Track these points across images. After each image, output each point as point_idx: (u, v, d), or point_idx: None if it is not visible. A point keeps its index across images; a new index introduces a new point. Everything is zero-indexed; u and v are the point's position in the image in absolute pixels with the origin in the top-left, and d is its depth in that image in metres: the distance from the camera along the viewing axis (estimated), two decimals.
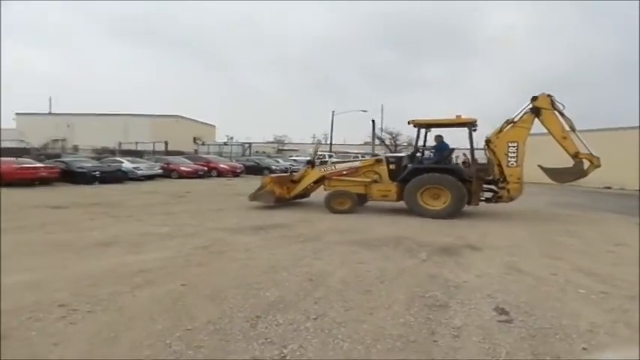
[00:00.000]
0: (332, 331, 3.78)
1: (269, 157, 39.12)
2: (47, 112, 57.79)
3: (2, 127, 54.13)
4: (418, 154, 12.02)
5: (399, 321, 4.03)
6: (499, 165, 10.85)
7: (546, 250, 7.37)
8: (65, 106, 76.21)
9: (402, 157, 12.30)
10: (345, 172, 12.11)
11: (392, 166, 11.63)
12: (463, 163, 12.15)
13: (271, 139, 71.42)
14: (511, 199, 10.99)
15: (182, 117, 53.79)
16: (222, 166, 27.44)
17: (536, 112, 10.66)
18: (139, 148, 39.85)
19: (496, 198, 11.17)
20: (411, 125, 11.47)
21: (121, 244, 7.34)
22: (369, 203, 12.69)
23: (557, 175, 11.38)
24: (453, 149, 11.90)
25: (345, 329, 3.83)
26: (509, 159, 10.72)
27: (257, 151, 48.83)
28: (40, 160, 22.34)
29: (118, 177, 21.75)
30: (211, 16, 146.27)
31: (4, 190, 16.55)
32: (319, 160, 15.44)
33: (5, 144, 36.85)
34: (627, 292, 4.98)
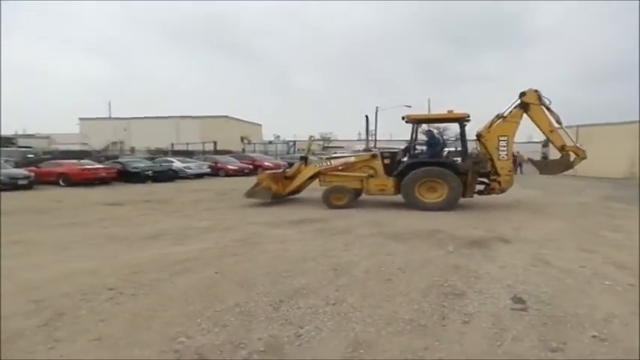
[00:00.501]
0: (347, 315, 4.04)
1: (313, 154, 39.56)
2: (107, 116, 61.34)
3: (68, 131, 58.66)
4: (415, 149, 12.24)
5: (413, 307, 4.23)
6: (490, 158, 11.17)
7: (583, 244, 7.21)
8: (123, 110, 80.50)
9: (396, 152, 12.72)
10: (340, 168, 12.26)
11: (387, 161, 11.95)
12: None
13: (317, 137, 71.94)
14: (502, 190, 11.33)
15: (230, 117, 55.45)
16: (266, 164, 28.20)
17: (524, 107, 11.01)
18: (189, 148, 41.58)
19: (488, 190, 11.48)
20: (405, 121, 11.82)
21: (167, 237, 7.93)
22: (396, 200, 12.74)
23: (545, 167, 12.04)
24: (445, 143, 12.37)
25: (360, 314, 4.08)
26: (499, 152, 11.08)
27: (300, 149, 49.51)
28: (100, 162, 23.96)
29: (169, 176, 22.95)
30: (258, 18, 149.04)
31: (71, 189, 17.98)
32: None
33: (71, 147, 39.94)
34: None
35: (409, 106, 59.91)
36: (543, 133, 11.35)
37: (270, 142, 47.55)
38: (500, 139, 11.07)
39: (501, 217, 10.14)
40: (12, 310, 4.15)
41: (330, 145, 65.90)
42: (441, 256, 6.32)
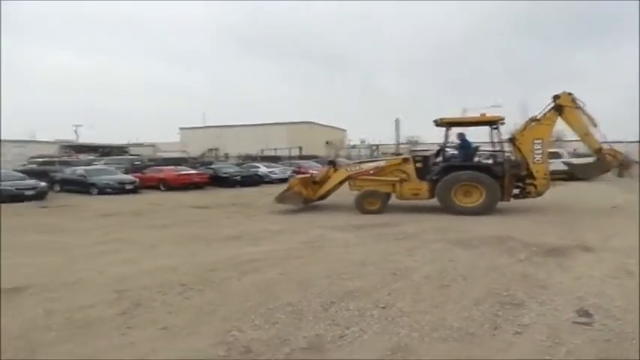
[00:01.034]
0: (394, 319, 4.07)
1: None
2: (205, 125, 65.97)
3: (169, 140, 64.29)
4: (447, 152, 11.85)
5: (464, 315, 4.13)
6: (525, 162, 10.98)
7: None
8: (218, 118, 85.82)
9: (428, 155, 12.31)
10: (371, 172, 12.01)
11: (419, 165, 11.69)
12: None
13: (404, 141, 71.02)
14: (539, 194, 11.17)
15: (314, 123, 56.78)
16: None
17: (559, 109, 10.87)
18: (277, 154, 43.36)
19: (524, 194, 11.25)
20: (436, 124, 11.58)
21: (244, 238, 8.45)
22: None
23: (583, 170, 12.46)
24: (478, 146, 11.87)
25: (408, 319, 4.08)
26: (535, 155, 10.91)
27: (384, 153, 49.19)
28: (195, 168, 25.93)
29: (255, 180, 24.16)
30: (341, 24, 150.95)
31: (169, 193, 19.72)
32: None
33: (172, 154, 43.78)
34: None
35: (499, 106, 56.85)
36: (578, 135, 11.17)
37: (353, 147, 47.87)
38: (535, 142, 10.94)
39: (592, 223, 9.32)
40: (98, 299, 4.77)
41: (416, 148, 64.59)
42: (509, 264, 6.02)
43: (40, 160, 29.24)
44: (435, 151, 12.59)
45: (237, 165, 29.71)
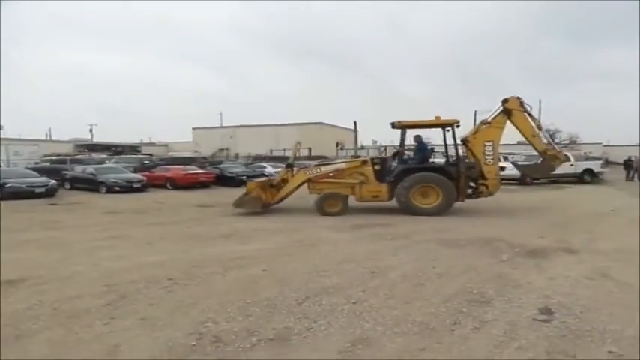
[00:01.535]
0: (362, 314, 4.25)
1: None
2: (216, 125, 66.59)
3: (182, 140, 65.13)
4: (404, 155, 12.08)
5: (430, 311, 4.30)
6: (477, 163, 11.40)
7: None
8: (231, 119, 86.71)
9: (386, 158, 12.67)
10: (331, 175, 12.06)
11: (377, 167, 11.82)
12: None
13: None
14: (490, 194, 11.61)
15: (325, 124, 56.95)
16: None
17: (508, 113, 11.39)
18: (286, 154, 43.63)
19: (477, 194, 11.62)
20: (392, 127, 11.69)
21: (238, 236, 8.68)
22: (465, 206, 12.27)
23: (532, 171, 13.31)
24: (433, 149, 12.20)
25: (376, 313, 4.26)
26: (486, 157, 11.36)
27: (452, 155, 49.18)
28: (203, 167, 26.31)
29: None
30: (355, 25, 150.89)
31: (175, 192, 20.08)
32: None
33: (183, 154, 44.39)
34: None
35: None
36: (525, 138, 11.68)
37: (362, 148, 47.97)
38: (486, 144, 11.38)
39: (585, 226, 9.38)
40: (87, 291, 5.03)
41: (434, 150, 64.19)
42: (489, 264, 6.16)
43: (53, 158, 29.95)
44: (393, 154, 12.77)
45: (245, 165, 30.05)
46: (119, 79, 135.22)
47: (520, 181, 21.61)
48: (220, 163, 31.66)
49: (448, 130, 11.40)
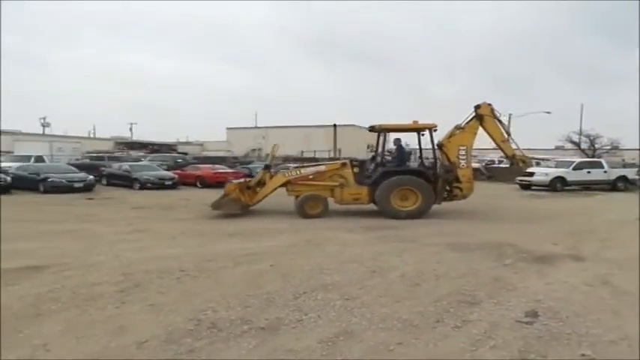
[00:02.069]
0: (352, 310, 4.48)
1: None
2: (250, 125, 67.81)
3: (217, 139, 66.72)
4: (384, 158, 12.35)
5: (417, 310, 4.48)
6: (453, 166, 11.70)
7: None
8: (265, 119, 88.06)
9: (364, 160, 12.92)
10: (311, 177, 12.04)
11: (356, 170, 11.95)
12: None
13: None
14: (464, 197, 11.89)
15: (357, 126, 57.00)
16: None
17: (480, 118, 11.78)
18: (316, 155, 44.05)
19: (451, 196, 11.86)
20: (369, 130, 12.25)
21: (253, 234, 9.04)
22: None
23: (502, 174, 14.48)
24: (411, 152, 12.28)
25: (365, 309, 4.49)
26: (460, 161, 11.66)
27: (427, 157, 48.78)
28: (233, 167, 27.02)
29: None
30: (389, 26, 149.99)
31: (203, 190, 20.75)
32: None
33: (217, 154, 45.64)
34: None
35: (548, 112, 54.86)
36: (495, 142, 12.13)
37: (389, 151, 47.72)
38: (460, 148, 11.70)
39: (604, 234, 9.24)
40: (106, 279, 5.48)
41: None
42: (490, 268, 6.25)
43: (93, 155, 31.45)
44: (371, 157, 12.91)
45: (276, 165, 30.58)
46: (160, 79, 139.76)
47: (550, 187, 21.14)
48: (250, 162, 32.38)
49: (423, 134, 11.74)
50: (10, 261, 6.25)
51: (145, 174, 20.84)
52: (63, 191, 17.40)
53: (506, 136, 12.06)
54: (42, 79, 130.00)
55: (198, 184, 22.36)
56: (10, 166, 20.60)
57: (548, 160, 31.82)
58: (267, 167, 12.54)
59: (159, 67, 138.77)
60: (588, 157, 37.74)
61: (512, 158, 12.26)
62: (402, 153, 12.32)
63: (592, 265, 6.44)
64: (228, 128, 68.17)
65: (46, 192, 17.31)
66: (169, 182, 21.01)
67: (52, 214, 11.72)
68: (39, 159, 23.53)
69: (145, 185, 20.09)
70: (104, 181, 21.79)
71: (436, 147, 11.85)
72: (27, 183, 18.10)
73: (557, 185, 21.26)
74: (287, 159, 42.74)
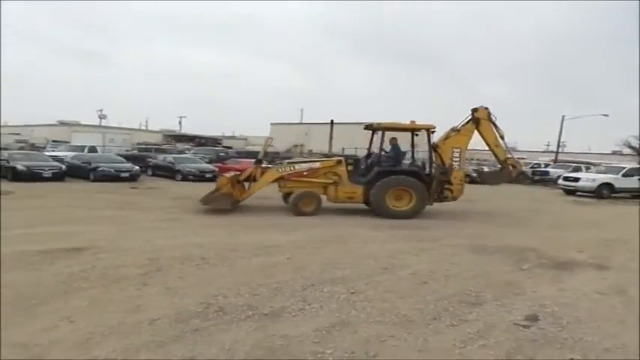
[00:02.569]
0: (354, 303, 4.66)
1: (479, 164, 37.86)
2: (294, 121, 68.66)
3: (261, 134, 68.04)
4: (380, 157, 12.05)
5: (417, 306, 4.60)
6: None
7: None
8: (309, 116, 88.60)
9: (359, 159, 12.73)
10: (305, 173, 11.80)
11: (350, 168, 11.78)
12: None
13: None
14: (454, 198, 11.94)
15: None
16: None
17: (476, 122, 11.83)
18: (357, 153, 44.08)
19: (441, 198, 11.86)
20: (365, 128, 12.38)
21: (278, 227, 9.32)
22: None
23: (491, 177, 13.64)
24: (405, 152, 12.05)
25: (367, 303, 4.65)
26: (453, 162, 11.70)
27: (475, 159, 47.72)
28: (272, 162, 27.58)
29: None
30: (439, 24, 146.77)
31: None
32: None
33: (259, 148, 46.69)
34: None
35: (606, 115, 52.15)
36: (489, 146, 12.20)
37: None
38: (454, 150, 11.71)
39: (637, 245, 8.84)
40: (133, 262, 5.92)
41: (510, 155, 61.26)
42: (505, 271, 6.22)
43: (142, 146, 33.01)
44: (365, 155, 12.80)
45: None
46: (208, 74, 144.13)
47: (596, 194, 20.22)
48: (289, 158, 32.90)
49: (417, 135, 11.83)
50: (53, 242, 6.85)
51: (187, 166, 21.71)
52: (111, 180, 18.45)
53: (500, 140, 12.16)
54: (101, 73, 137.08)
55: None
56: (65, 155, 22.09)
57: (595, 164, 30.36)
58: (258, 162, 12.15)
59: (209, 62, 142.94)
60: None
61: (503, 162, 12.44)
62: (397, 153, 12.26)
63: (613, 275, 6.27)
64: (272, 123, 69.30)
65: (95, 180, 18.43)
66: (210, 175, 21.73)
67: (97, 201, 12.53)
68: (92, 149, 25.01)
69: (186, 177, 20.94)
70: (149, 172, 22.88)
71: (432, 148, 11.80)
72: (79, 171, 19.35)
73: (604, 192, 20.28)
74: (327, 155, 43.15)
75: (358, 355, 3.48)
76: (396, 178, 11.42)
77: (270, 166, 12.45)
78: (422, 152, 12.80)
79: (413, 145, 12.14)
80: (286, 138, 60.49)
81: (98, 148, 26.27)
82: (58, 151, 26.00)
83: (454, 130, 12.02)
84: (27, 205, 11.11)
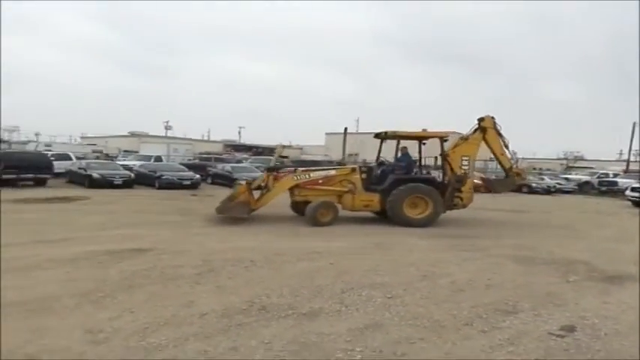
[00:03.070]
0: (390, 307, 4.87)
1: (540, 173, 36.22)
2: (354, 131, 69.04)
3: (316, 143, 69.12)
4: (393, 164, 12.28)
5: (451, 312, 4.72)
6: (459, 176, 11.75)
7: None
8: (364, 125, 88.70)
9: (372, 166, 12.65)
10: (320, 181, 11.59)
11: (364, 176, 11.72)
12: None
13: (560, 155, 64.50)
14: (464, 206, 12.02)
15: (458, 133, 55.28)
16: (474, 181, 27.47)
17: (483, 130, 12.05)
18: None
19: (451, 205, 11.85)
20: (374, 136, 12.67)
21: (325, 234, 9.64)
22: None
23: (497, 185, 13.56)
24: (416, 160, 12.38)
25: (401, 307, 4.84)
26: (462, 170, 11.78)
27: (537, 168, 45.72)
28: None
29: None
30: (498, 25, 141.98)
31: None
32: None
33: (314, 158, 47.55)
34: None
35: None
36: (495, 154, 12.54)
37: (491, 159, 45.46)
38: (463, 158, 11.88)
39: None
40: (189, 263, 6.46)
41: (575, 164, 58.16)
42: (550, 283, 6.14)
43: (203, 156, 34.73)
44: (377, 163, 12.79)
45: None
46: (264, 85, 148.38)
47: None
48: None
49: (424, 144, 12.29)
50: (122, 244, 7.59)
51: (244, 175, 22.60)
52: (174, 187, 19.68)
53: (505, 149, 12.41)
54: (167, 87, 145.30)
55: None
56: (134, 164, 23.82)
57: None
58: (270, 169, 11.99)
59: (265, 74, 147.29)
60: None
61: (509, 170, 12.64)
62: (409, 161, 12.29)
63: None
64: (326, 133, 70.11)
65: (160, 188, 19.72)
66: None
67: (160, 207, 13.50)
68: (157, 159, 26.76)
69: None
70: (209, 180, 24.09)
71: (442, 156, 11.95)
72: (146, 179, 20.80)
73: None
74: (381, 164, 43.07)
75: (386, 354, 3.69)
76: (414, 185, 11.47)
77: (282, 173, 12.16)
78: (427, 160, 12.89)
79: (420, 153, 12.34)
80: (341, 147, 61.02)
81: (163, 158, 28.01)
82: (128, 160, 27.99)
83: (462, 138, 12.25)
84: (99, 210, 12.23)
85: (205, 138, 74.67)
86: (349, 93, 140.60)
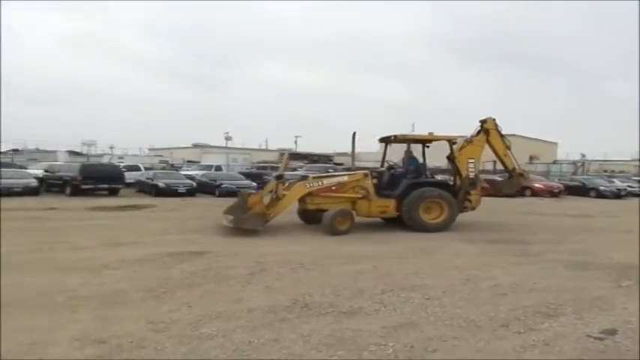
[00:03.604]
0: (427, 308, 5.02)
1: (610, 175, 34.08)
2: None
3: (370, 150, 68.96)
4: (404, 168, 12.15)
5: (488, 314, 4.80)
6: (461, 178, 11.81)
7: None
8: (418, 129, 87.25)
9: (382, 171, 12.37)
10: (334, 188, 11.18)
11: (375, 181, 11.52)
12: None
13: (629, 157, 60.00)
14: (473, 208, 12.07)
15: (519, 136, 53.05)
16: (536, 185, 26.38)
17: (486, 132, 12.04)
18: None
19: (461, 208, 11.75)
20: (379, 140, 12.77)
21: (372, 240, 9.83)
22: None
23: (502, 186, 14.10)
24: (423, 163, 12.30)
25: (439, 309, 4.98)
26: (469, 173, 11.70)
27: (608, 170, 43.09)
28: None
29: None
30: (554, 22, 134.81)
31: None
32: None
33: (367, 164, 47.67)
34: None
35: None
36: (498, 156, 12.55)
37: (554, 162, 43.34)
38: (469, 161, 11.82)
39: None
40: (240, 264, 6.94)
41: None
42: (600, 287, 5.99)
43: (260, 164, 35.96)
44: (387, 167, 12.48)
45: None
46: (320, 93, 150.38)
47: None
48: None
49: (428, 147, 12.42)
50: (183, 247, 8.23)
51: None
52: (233, 195, 20.55)
53: (507, 150, 12.40)
54: (226, 99, 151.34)
55: None
56: (196, 174, 25.22)
57: None
58: (279, 177, 11.32)
59: (320, 82, 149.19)
60: None
61: (512, 171, 12.66)
62: (417, 165, 12.12)
63: None
64: (378, 139, 69.78)
65: (220, 196, 20.77)
66: None
67: (219, 214, 14.26)
68: (217, 168, 28.14)
69: None
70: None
71: (449, 160, 12.00)
72: (207, 188, 22.00)
73: None
74: (435, 171, 42.30)
75: (417, 349, 3.88)
76: (430, 189, 11.36)
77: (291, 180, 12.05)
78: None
79: (424, 157, 12.32)
80: (399, 154, 60.46)
81: (223, 167, 29.37)
82: (191, 170, 29.62)
83: (467, 141, 12.28)
84: (164, 217, 13.21)
85: (263, 147, 76.84)
86: (402, 97, 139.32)
